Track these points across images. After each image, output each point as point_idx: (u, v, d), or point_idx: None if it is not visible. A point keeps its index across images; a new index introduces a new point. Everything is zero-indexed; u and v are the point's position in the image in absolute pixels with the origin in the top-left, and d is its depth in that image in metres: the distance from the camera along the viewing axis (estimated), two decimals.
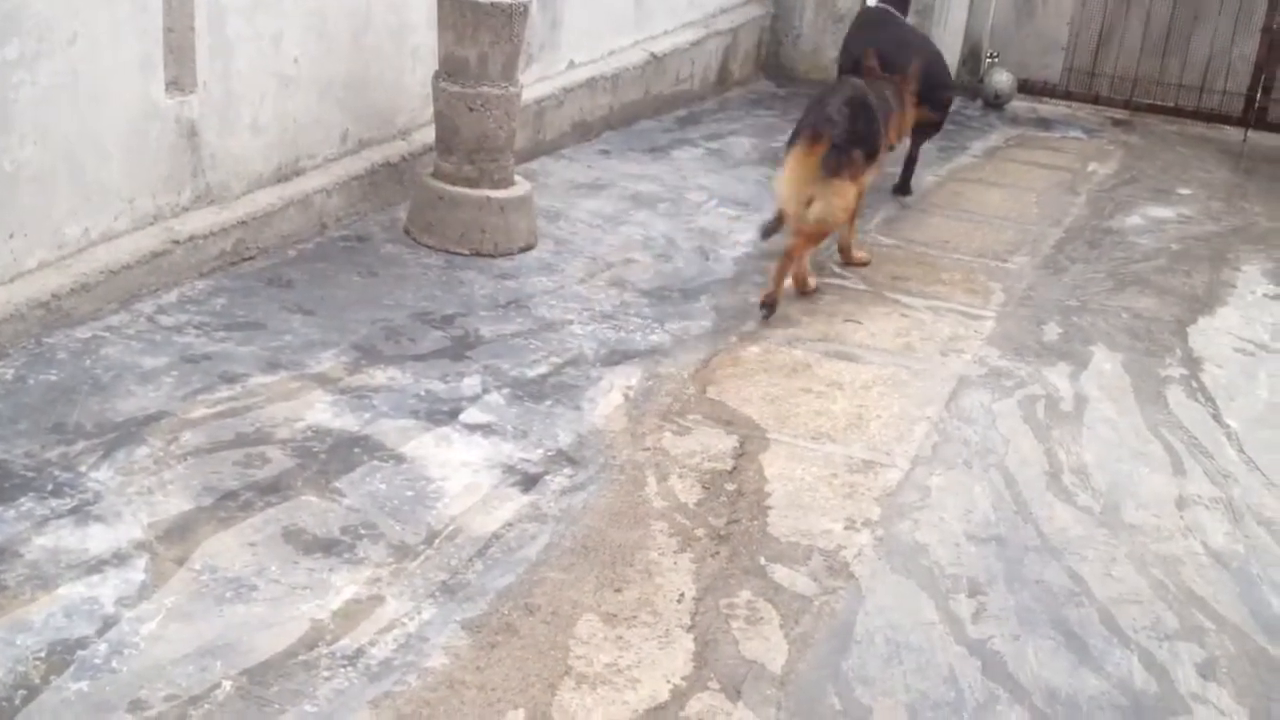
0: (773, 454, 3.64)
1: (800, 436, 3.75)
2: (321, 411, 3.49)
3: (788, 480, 3.51)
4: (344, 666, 2.56)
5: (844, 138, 4.58)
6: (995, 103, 8.25)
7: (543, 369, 3.96)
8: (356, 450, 3.33)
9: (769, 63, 8.21)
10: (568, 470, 3.42)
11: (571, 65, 6.27)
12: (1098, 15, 8.20)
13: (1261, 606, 3.11)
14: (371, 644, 2.63)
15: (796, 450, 3.67)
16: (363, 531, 3.00)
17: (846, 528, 3.30)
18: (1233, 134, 8.07)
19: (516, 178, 4.94)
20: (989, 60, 8.44)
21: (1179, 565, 3.26)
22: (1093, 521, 3.43)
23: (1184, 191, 6.70)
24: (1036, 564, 3.21)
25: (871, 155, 4.82)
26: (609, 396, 3.86)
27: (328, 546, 2.93)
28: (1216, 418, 4.10)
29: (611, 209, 5.47)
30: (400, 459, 3.33)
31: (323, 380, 3.67)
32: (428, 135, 5.04)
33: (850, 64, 5.66)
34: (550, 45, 6.10)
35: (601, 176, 5.87)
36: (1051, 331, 4.69)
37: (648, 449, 3.59)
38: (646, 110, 6.87)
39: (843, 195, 4.61)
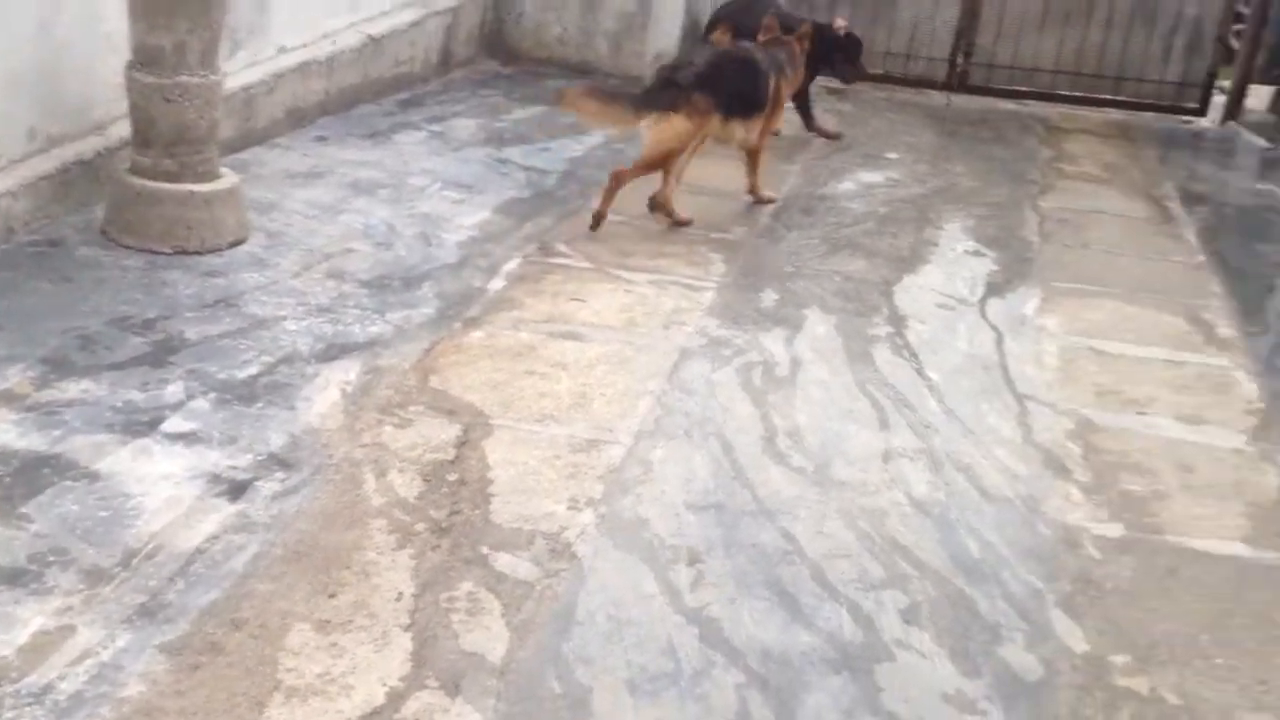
0: (496, 440, 3.62)
1: (524, 420, 3.74)
2: (4, 433, 3.27)
3: (511, 465, 3.49)
4: (29, 704, 2.40)
5: (687, 80, 5.28)
6: None
7: (253, 369, 3.82)
8: (45, 471, 3.14)
9: (493, 42, 8.14)
10: (280, 474, 3.31)
11: (282, 50, 6.06)
12: None
13: (960, 550, 3.28)
14: (61, 678, 2.48)
15: (520, 434, 3.66)
16: (52, 558, 2.83)
17: (570, 508, 3.31)
18: (937, 98, 8.49)
19: (223, 170, 4.74)
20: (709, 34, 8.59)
21: (884, 517, 3.40)
22: (805, 481, 3.54)
23: (892, 156, 7.00)
24: (752, 528, 3.30)
25: (726, 105, 5.41)
26: (325, 394, 3.76)
27: (13, 578, 2.75)
28: (920, 372, 4.29)
29: (329, 198, 5.33)
30: (94, 477, 3.15)
31: (7, 398, 3.44)
32: (126, 129, 4.78)
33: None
34: (258, 29, 5.88)
35: (318, 164, 5.71)
36: (769, 299, 4.82)
37: (366, 445, 3.52)
38: (366, 94, 6.71)
39: (662, 130, 5.23)
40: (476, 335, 4.27)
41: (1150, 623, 3.03)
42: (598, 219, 5.28)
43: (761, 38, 5.88)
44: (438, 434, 3.61)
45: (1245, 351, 4.67)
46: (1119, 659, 2.90)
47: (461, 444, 3.58)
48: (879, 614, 2.99)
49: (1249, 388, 4.37)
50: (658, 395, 3.95)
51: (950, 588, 3.12)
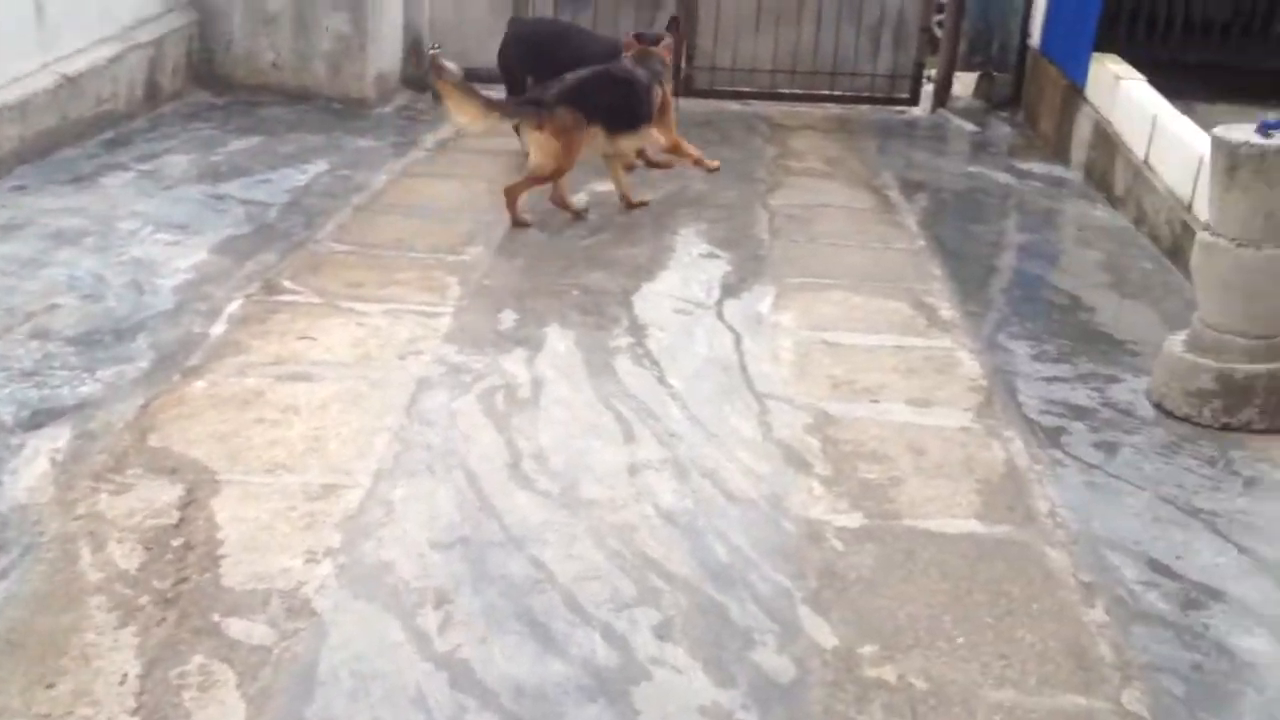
0: (224, 497, 3.43)
1: (254, 472, 3.56)
2: None
3: (241, 523, 3.31)
4: None
5: (550, 98, 5.61)
6: None
7: None
8: None
9: (203, 73, 7.81)
10: None
11: None
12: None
13: (709, 557, 3.28)
14: None
15: (250, 488, 3.48)
16: None
17: (307, 561, 3.16)
18: None
19: None
20: (433, 51, 8.46)
21: (634, 532, 3.37)
22: (553, 505, 3.49)
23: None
24: (501, 559, 3.22)
25: (607, 121, 5.81)
26: (33, 465, 3.50)
27: None
28: (661, 380, 4.30)
29: (29, 251, 4.98)
30: None
31: None
32: None
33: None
34: None
35: (16, 216, 5.33)
36: (507, 319, 4.75)
37: (81, 517, 3.28)
38: (67, 137, 6.33)
39: (542, 148, 5.66)
40: (198, 386, 4.05)
41: (894, 609, 3.10)
42: (520, 225, 5.74)
43: (630, 53, 6.18)
44: (159, 497, 3.39)
45: (966, 331, 4.87)
46: (867, 649, 2.94)
47: (186, 505, 3.38)
48: (633, 633, 2.96)
49: (971, 366, 4.55)
50: (396, 431, 3.83)
51: (701, 597, 3.12)
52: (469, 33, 8.54)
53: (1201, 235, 4.18)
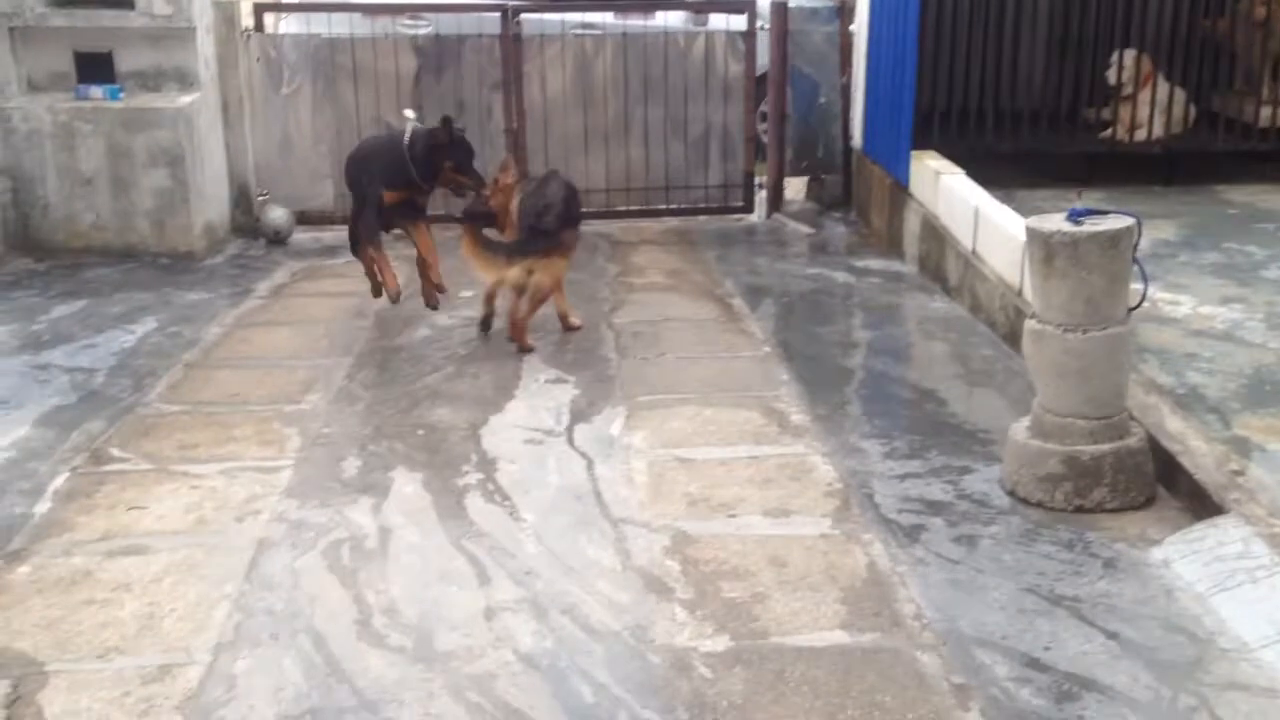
0: (53, 689, 3.20)
1: (85, 659, 3.33)
2: None
3: (73, 716, 3.08)
4: None
5: (552, 225, 5.85)
6: (277, 239, 8.19)
7: None
8: None
9: (21, 238, 7.54)
10: None
11: None
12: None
13: (574, 699, 3.15)
14: None
15: (81, 677, 3.25)
16: None
17: None
18: None
19: None
20: (261, 198, 8.36)
21: (493, 681, 3.23)
22: (406, 660, 3.33)
23: (466, 295, 6.92)
24: None
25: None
26: None
27: None
28: (514, 514, 4.18)
29: None
30: None
31: None
32: None
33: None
34: None
35: None
36: (351, 466, 4.60)
37: None
38: None
39: (548, 272, 5.90)
40: (22, 571, 3.81)
41: None
42: (527, 350, 5.87)
43: (508, 180, 6.18)
44: None
45: (817, 435, 4.86)
46: None
47: (12, 702, 3.15)
48: None
49: (826, 471, 4.53)
50: (235, 599, 3.63)
51: None
52: (296, 177, 8.47)
53: (1029, 323, 4.26)
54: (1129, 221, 4.11)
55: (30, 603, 3.63)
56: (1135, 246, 4.13)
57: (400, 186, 6.30)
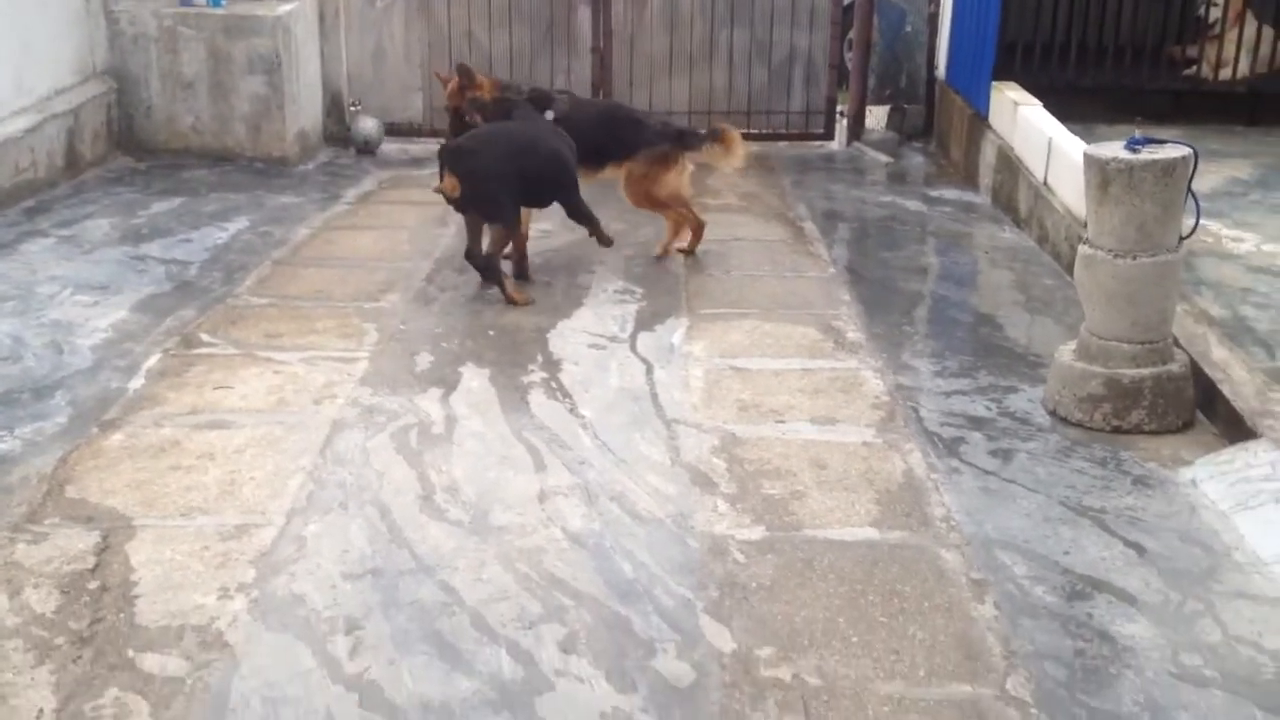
0: (139, 541, 3.50)
1: (169, 516, 3.64)
2: None
3: (156, 564, 3.38)
4: None
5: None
6: (366, 149, 8.44)
7: None
8: None
9: (125, 138, 7.90)
10: None
11: None
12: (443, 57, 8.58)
13: (615, 575, 3.39)
14: None
15: (165, 532, 3.55)
16: None
17: (220, 598, 3.24)
18: None
19: None
20: (353, 108, 8.62)
21: (542, 555, 3.47)
22: (464, 533, 3.58)
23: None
24: (411, 586, 3.31)
25: None
26: None
27: None
28: (573, 411, 4.41)
29: None
30: None
31: None
32: None
33: None
34: None
35: None
36: (423, 361, 4.86)
37: None
38: None
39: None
40: (116, 438, 4.12)
41: (791, 614, 3.22)
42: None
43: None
44: (75, 544, 3.46)
45: (872, 352, 5.02)
46: (763, 652, 3.06)
47: (102, 550, 3.45)
48: (538, 649, 3.06)
49: (875, 385, 4.70)
50: (309, 471, 3.92)
51: (606, 612, 3.22)
52: (388, 88, 8.70)
53: (1081, 248, 4.36)
54: (1185, 151, 4.18)
55: (122, 466, 3.94)
56: (1191, 177, 4.21)
57: None
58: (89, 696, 2.84)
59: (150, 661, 2.97)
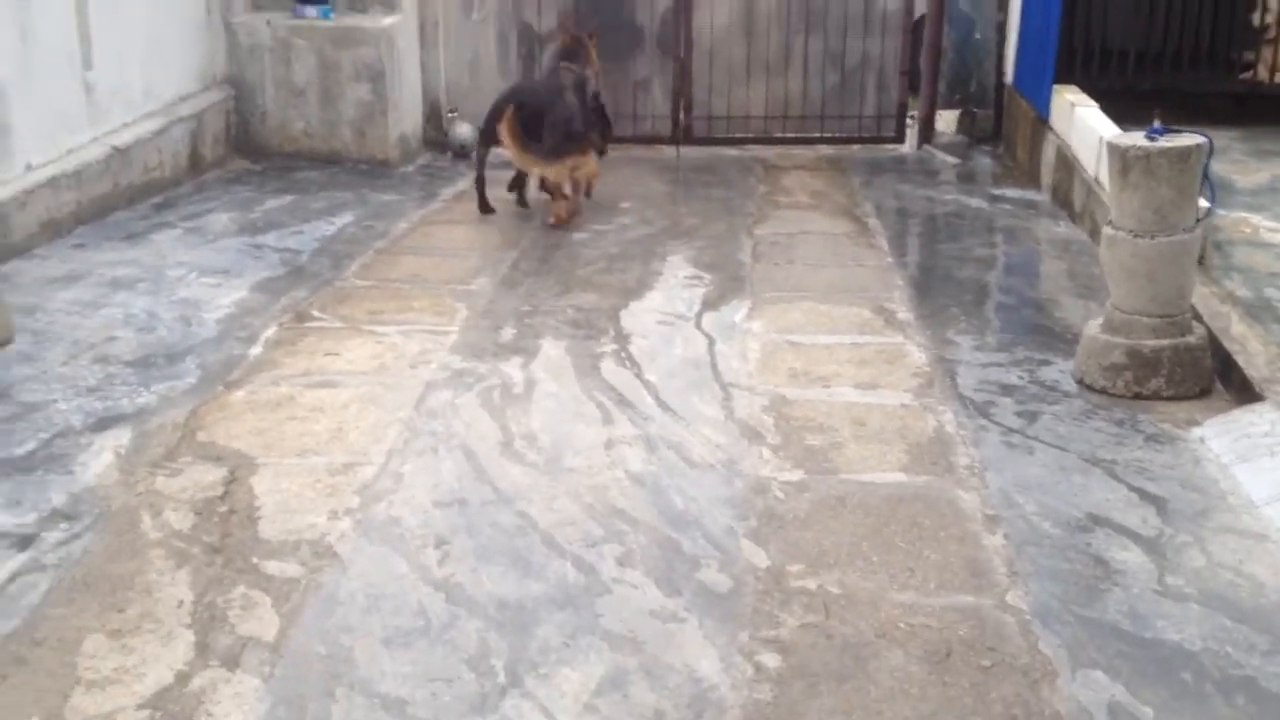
0: (261, 475, 4.06)
1: (286, 456, 4.20)
2: None
3: (276, 493, 3.94)
4: None
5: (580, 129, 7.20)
6: (462, 152, 9.01)
7: (30, 445, 4.18)
8: None
9: (241, 141, 8.58)
10: (64, 525, 3.70)
11: (29, 168, 6.39)
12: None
13: (668, 507, 3.87)
14: None
15: (283, 468, 4.11)
16: None
17: (330, 519, 3.78)
18: (668, 152, 9.25)
19: None
20: (450, 115, 9.22)
21: (605, 491, 3.97)
22: (538, 473, 4.10)
23: (624, 205, 7.68)
24: (492, 513, 3.83)
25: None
26: (100, 457, 4.15)
27: None
28: (639, 377, 4.91)
29: (90, 295, 5.68)
30: None
31: None
32: None
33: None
34: (3, 152, 6.21)
35: (77, 268, 6.05)
36: (507, 334, 5.39)
37: (141, 493, 3.92)
38: (119, 201, 7.07)
39: (583, 169, 7.29)
40: (239, 395, 4.71)
41: (821, 539, 3.68)
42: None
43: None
44: (206, 477, 4.03)
45: (918, 330, 5.45)
46: (794, 568, 3.52)
47: (229, 482, 4.01)
48: (599, 563, 3.55)
49: (918, 357, 5.12)
50: (405, 421, 4.46)
51: (659, 535, 3.71)
52: (483, 96, 9.28)
53: (1105, 229, 4.76)
54: (1199, 140, 4.56)
55: (245, 417, 4.52)
56: (1206, 164, 4.58)
57: None
58: (221, 591, 3.39)
59: (272, 566, 3.52)
